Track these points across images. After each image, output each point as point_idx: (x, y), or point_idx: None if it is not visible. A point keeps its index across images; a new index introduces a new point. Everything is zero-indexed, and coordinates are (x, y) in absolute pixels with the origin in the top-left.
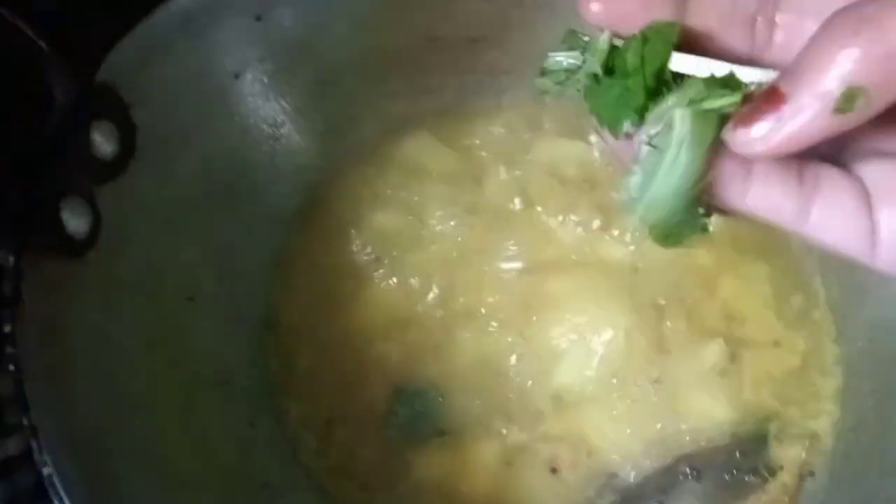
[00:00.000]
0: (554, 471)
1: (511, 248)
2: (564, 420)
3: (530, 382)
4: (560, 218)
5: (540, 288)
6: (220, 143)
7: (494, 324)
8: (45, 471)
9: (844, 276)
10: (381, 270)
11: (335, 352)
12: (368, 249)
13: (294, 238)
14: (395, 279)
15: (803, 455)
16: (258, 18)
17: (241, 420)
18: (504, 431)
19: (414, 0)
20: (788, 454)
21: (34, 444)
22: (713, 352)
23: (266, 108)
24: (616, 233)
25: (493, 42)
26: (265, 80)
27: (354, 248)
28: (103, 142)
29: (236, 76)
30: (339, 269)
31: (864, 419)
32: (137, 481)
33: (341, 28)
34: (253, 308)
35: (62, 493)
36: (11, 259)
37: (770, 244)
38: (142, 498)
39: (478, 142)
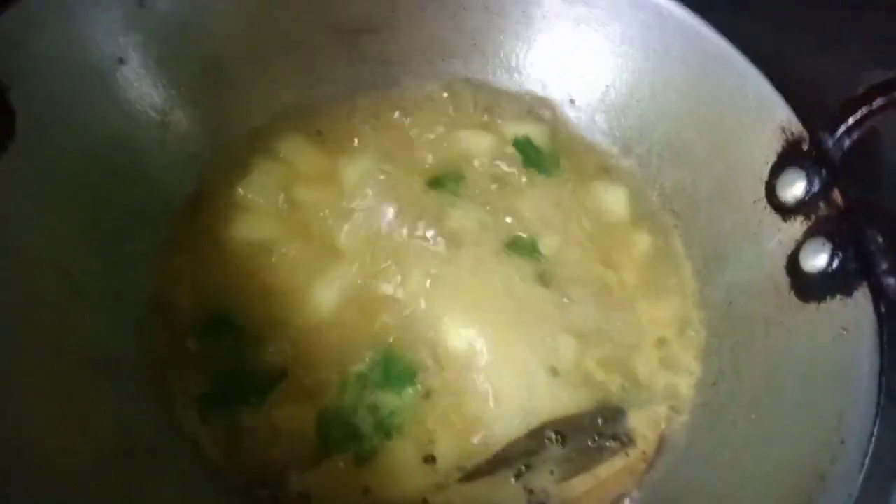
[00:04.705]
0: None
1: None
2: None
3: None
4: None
5: None
6: (106, 128)
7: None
8: None
9: (707, 246)
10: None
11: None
12: (255, 237)
13: (184, 224)
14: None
15: (663, 425)
16: (141, 4)
17: (123, 398)
18: None
19: None
20: (649, 421)
21: None
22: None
23: (154, 94)
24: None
25: (381, 32)
26: (152, 66)
27: (241, 236)
28: None
29: (121, 61)
30: (227, 253)
31: (722, 373)
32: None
33: (225, 13)
34: (141, 290)
35: None
36: None
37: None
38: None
39: (368, 128)
